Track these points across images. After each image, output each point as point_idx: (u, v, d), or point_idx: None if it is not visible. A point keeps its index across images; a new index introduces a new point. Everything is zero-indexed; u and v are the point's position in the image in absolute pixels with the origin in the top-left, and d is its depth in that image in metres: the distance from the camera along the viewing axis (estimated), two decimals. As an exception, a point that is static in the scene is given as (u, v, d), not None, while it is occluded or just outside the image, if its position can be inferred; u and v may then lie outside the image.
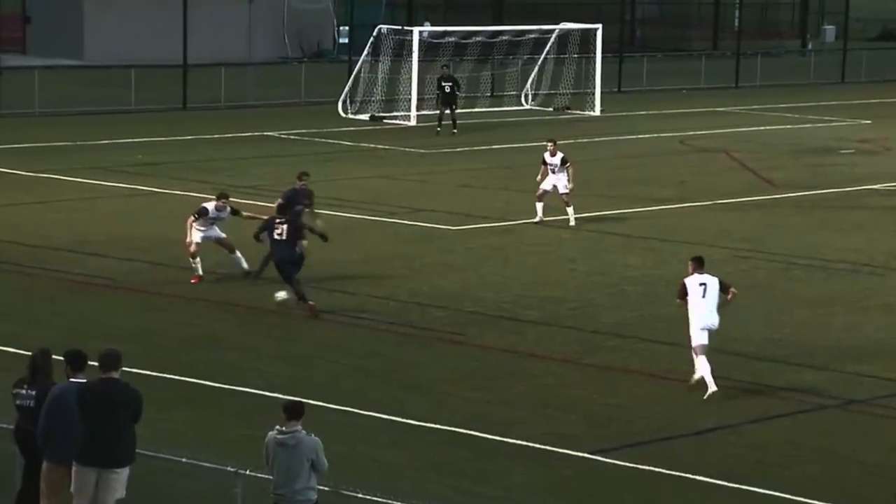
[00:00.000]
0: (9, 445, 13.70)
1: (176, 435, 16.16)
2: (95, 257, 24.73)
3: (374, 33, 45.63)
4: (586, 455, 16.31)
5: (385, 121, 44.37)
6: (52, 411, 13.11)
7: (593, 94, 48.38)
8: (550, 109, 48.34)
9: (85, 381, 13.19)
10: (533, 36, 48.98)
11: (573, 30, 49.34)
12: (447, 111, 41.98)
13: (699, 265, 18.85)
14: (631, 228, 29.13)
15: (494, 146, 40.12)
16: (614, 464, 16.11)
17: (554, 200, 29.04)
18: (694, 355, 18.59)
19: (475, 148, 39.69)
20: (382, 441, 16.65)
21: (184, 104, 45.05)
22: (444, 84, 42.44)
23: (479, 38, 47.95)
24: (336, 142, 40.16)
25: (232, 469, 13.18)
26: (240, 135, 40.27)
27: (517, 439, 16.71)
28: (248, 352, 20.02)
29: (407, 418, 17.34)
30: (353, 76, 45.65)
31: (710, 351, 18.54)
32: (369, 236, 27.83)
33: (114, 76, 45.45)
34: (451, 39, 47.29)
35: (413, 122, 43.90)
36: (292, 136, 40.59)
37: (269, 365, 19.40)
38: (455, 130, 41.77)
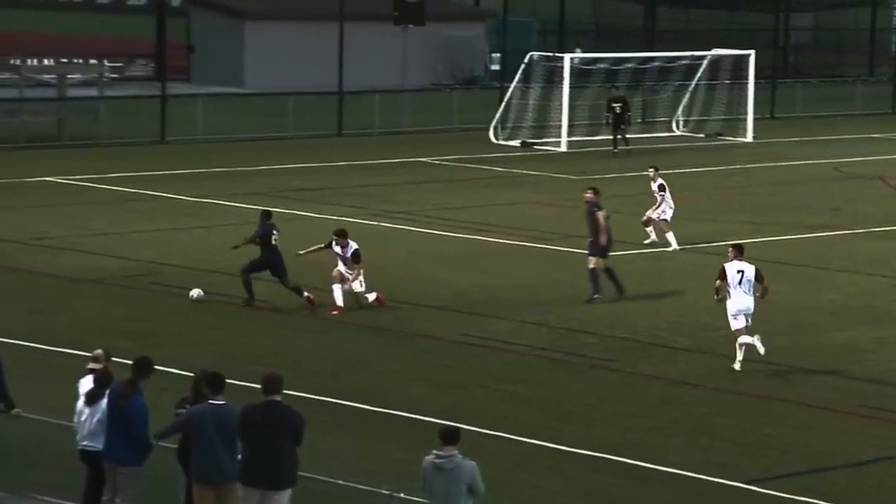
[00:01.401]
0: (174, 465, 14.03)
1: (331, 457, 16.39)
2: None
3: (526, 60, 45.80)
4: (739, 484, 16.17)
5: (536, 147, 44.51)
6: (190, 433, 13.40)
7: (745, 120, 47.96)
8: (702, 136, 48.01)
9: (224, 403, 13.43)
10: (685, 62, 48.72)
11: (725, 56, 48.99)
12: (619, 134, 42.90)
13: (739, 252, 20.58)
14: (783, 255, 28.79)
15: (645, 172, 39.96)
16: (768, 494, 15.95)
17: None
18: (736, 339, 20.12)
19: (626, 174, 39.58)
20: (536, 466, 16.70)
21: (339, 130, 45.67)
22: (613, 105, 42.98)
23: (630, 65, 47.85)
24: (487, 167, 40.35)
25: (387, 492, 13.35)
26: (393, 161, 40.70)
27: (669, 467, 16.64)
28: (400, 376, 20.21)
29: (560, 444, 17.36)
30: (504, 102, 45.87)
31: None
32: (520, 262, 27.93)
33: (272, 103, 46.26)
34: (601, 66, 47.28)
35: (563, 148, 43.94)
36: (444, 162, 40.90)
37: (422, 390, 19.57)
38: (629, 148, 42.46)
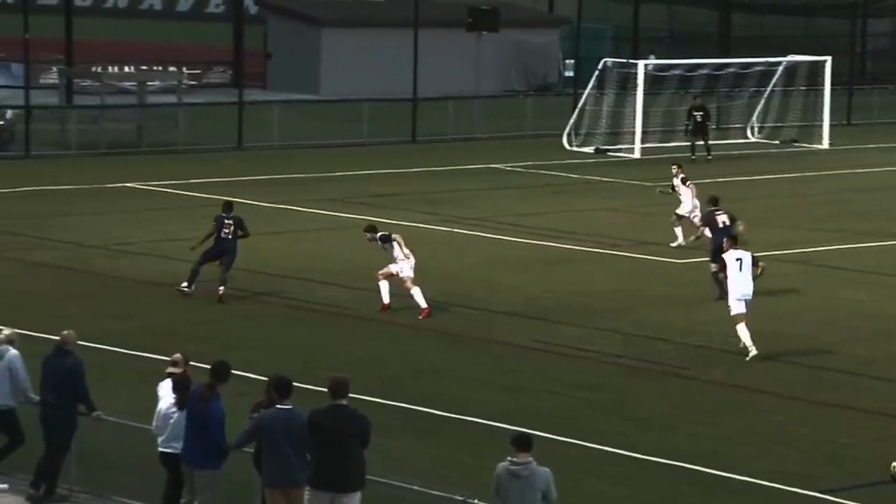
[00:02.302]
0: (250, 469, 14.21)
1: (403, 462, 16.51)
2: (329, 286, 25.41)
3: (600, 66, 45.78)
4: (815, 494, 16.11)
5: (609, 153, 44.48)
6: (259, 438, 13.56)
7: (821, 126, 47.64)
8: (777, 142, 47.76)
9: (291, 407, 13.57)
10: (760, 68, 48.49)
11: (801, 62, 48.70)
12: (699, 141, 42.93)
13: (734, 242, 21.87)
14: (862, 263, 28.61)
15: (720, 179, 39.80)
16: (844, 504, 15.92)
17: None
18: (737, 324, 21.09)
19: (701, 181, 39.37)
20: (608, 474, 16.74)
21: (413, 137, 45.87)
22: (694, 114, 43.20)
23: (704, 71, 47.67)
24: (561, 174, 40.38)
25: (460, 498, 13.44)
26: (466, 167, 40.82)
27: (743, 476, 16.61)
28: (472, 382, 20.31)
29: (632, 452, 17.38)
30: (578, 109, 45.87)
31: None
32: (593, 268, 27.95)
33: (347, 110, 46.53)
34: (676, 72, 47.17)
35: (637, 155, 43.88)
36: (518, 169, 40.97)
37: (494, 396, 19.65)
38: (710, 157, 42.43)
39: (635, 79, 44.09)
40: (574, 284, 26.22)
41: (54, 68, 49.21)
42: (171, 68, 51.96)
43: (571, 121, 45.57)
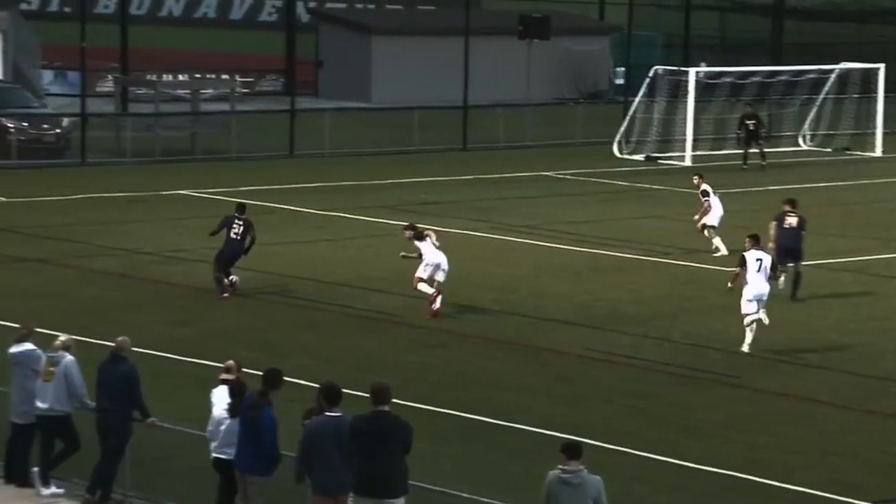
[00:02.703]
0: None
1: (453, 470, 16.59)
2: (380, 293, 25.52)
3: (650, 74, 45.75)
4: (869, 504, 16.09)
5: (660, 161, 44.42)
6: (308, 445, 13.66)
7: (874, 134, 47.36)
8: (829, 150, 47.53)
9: (339, 415, 13.65)
10: (812, 76, 48.30)
11: (854, 69, 48.45)
12: (751, 149, 42.88)
13: (756, 242, 22.34)
14: (914, 272, 28.46)
15: (771, 187, 39.68)
16: (898, 514, 15.85)
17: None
18: (747, 321, 21.69)
19: (752, 189, 39.34)
20: (659, 483, 16.74)
21: (464, 144, 45.97)
22: (747, 122, 43.10)
23: (756, 79, 47.55)
24: (611, 182, 40.35)
25: (511, 505, 13.50)
26: (517, 174, 40.88)
27: (797, 486, 16.57)
28: (522, 390, 20.36)
29: (683, 461, 17.38)
30: (628, 116, 45.85)
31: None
32: (643, 276, 27.93)
33: (398, 118, 46.70)
34: (727, 80, 47.06)
35: (688, 163, 43.78)
36: (568, 176, 40.99)
37: (544, 404, 19.70)
38: (764, 164, 42.35)
39: (686, 86, 44.01)
40: (624, 292, 26.22)
41: (110, 76, 49.67)
42: (225, 76, 52.34)
43: (622, 128, 45.54)
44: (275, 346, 21.93)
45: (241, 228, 24.93)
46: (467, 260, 28.70)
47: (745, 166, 42.68)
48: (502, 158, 43.93)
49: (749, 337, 22.05)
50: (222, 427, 14.89)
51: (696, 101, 44.30)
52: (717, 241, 29.60)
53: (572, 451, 12.92)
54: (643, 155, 44.69)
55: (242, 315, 24.08)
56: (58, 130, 40.99)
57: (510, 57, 51.97)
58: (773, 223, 26.28)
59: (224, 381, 15.25)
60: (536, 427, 18.41)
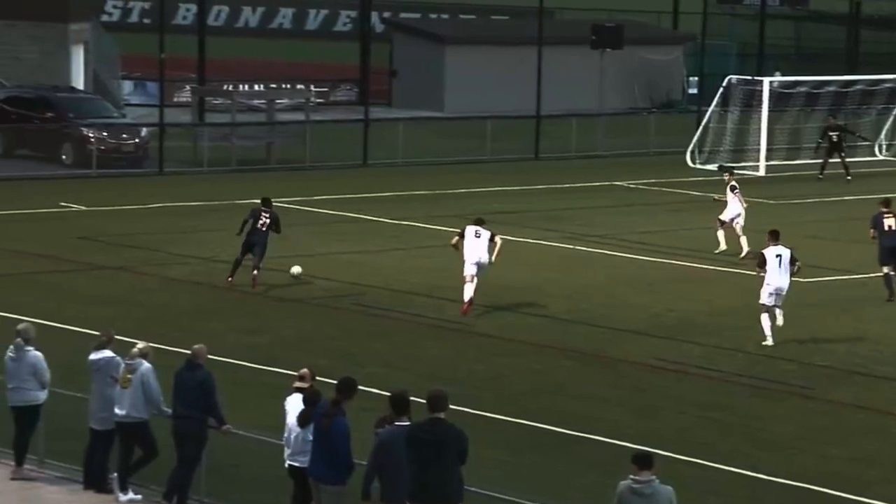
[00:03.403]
0: (374, 485, 14.41)
1: (527, 478, 16.67)
2: (451, 302, 25.62)
3: (724, 83, 45.57)
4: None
5: (733, 171, 44.19)
6: (379, 455, 13.75)
7: (952, 144, 46.93)
8: (906, 160, 47.15)
9: (408, 423, 13.70)
10: (888, 85, 47.90)
11: (931, 78, 48.03)
12: (833, 160, 42.61)
13: (775, 237, 23.11)
14: None
15: (846, 197, 39.45)
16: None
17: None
18: (762, 314, 22.70)
19: (826, 199, 39.13)
20: (732, 495, 16.71)
21: (536, 154, 46.01)
22: (830, 133, 42.91)
23: (831, 88, 47.23)
24: (684, 192, 40.22)
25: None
26: (589, 184, 40.86)
27: (874, 499, 16.48)
28: (595, 400, 20.40)
29: (757, 473, 17.34)
30: (702, 126, 45.69)
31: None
32: (716, 287, 27.85)
33: (471, 127, 46.83)
34: (802, 89, 46.79)
35: (762, 173, 43.59)
36: (640, 186, 40.93)
37: (616, 414, 19.72)
38: (849, 178, 42.07)
39: (760, 96, 43.81)
40: (697, 303, 26.17)
41: (187, 87, 50.21)
42: (300, 86, 52.70)
43: (695, 138, 45.39)
44: (348, 355, 22.11)
45: (268, 220, 26.17)
46: (539, 269, 28.78)
47: (820, 176, 42.41)
48: (575, 168, 43.92)
49: (767, 329, 22.92)
50: (293, 435, 15.04)
51: (771, 111, 44.06)
52: (719, 235, 30.57)
53: (644, 462, 12.96)
54: (716, 165, 44.49)
55: (316, 323, 24.30)
56: (136, 140, 41.46)
57: (583, 66, 51.96)
58: (872, 229, 26.66)
59: (298, 390, 15.39)
60: (608, 437, 18.44)
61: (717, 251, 30.23)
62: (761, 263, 23.09)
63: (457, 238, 25.17)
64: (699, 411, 19.90)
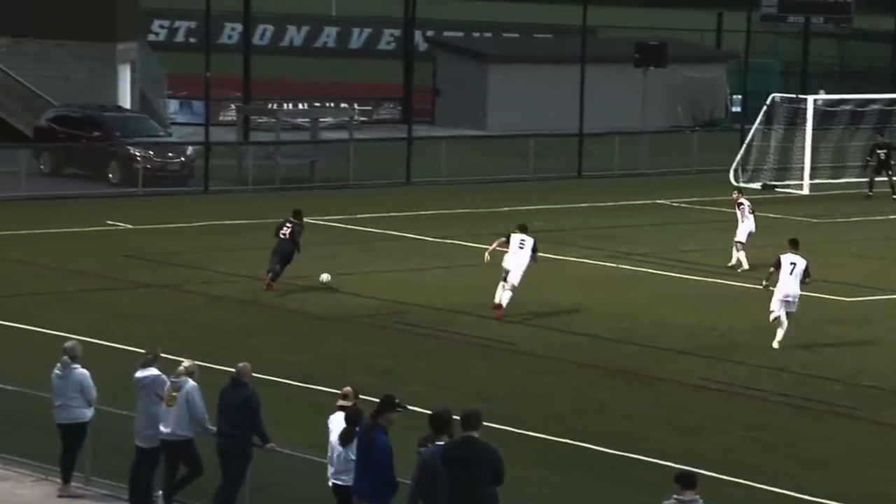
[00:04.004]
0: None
1: (572, 498, 16.66)
2: (494, 321, 25.66)
3: (768, 102, 45.47)
4: None
5: (777, 189, 44.10)
6: (421, 474, 13.77)
7: None
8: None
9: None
10: (933, 103, 47.70)
11: (976, 96, 47.75)
12: (880, 178, 42.52)
13: (794, 246, 24.35)
14: None
15: (892, 216, 39.27)
16: None
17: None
18: (771, 318, 23.71)
19: (871, 218, 38.94)
20: (776, 514, 16.67)
21: (579, 172, 46.02)
22: (878, 151, 42.84)
23: (876, 106, 47.03)
24: (727, 210, 40.00)
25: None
26: (632, 202, 40.82)
27: (917, 520, 16.43)
28: (638, 419, 20.36)
29: (802, 493, 17.26)
30: (745, 144, 45.59)
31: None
32: (759, 306, 27.62)
33: (514, 145, 46.91)
34: (846, 107, 46.62)
35: (806, 191, 43.44)
36: (683, 204, 40.85)
37: (661, 434, 19.68)
38: (895, 196, 41.91)
39: (804, 114, 43.69)
40: (741, 322, 26.09)
41: (232, 105, 50.52)
42: (343, 105, 52.92)
43: (738, 156, 45.28)
44: (391, 373, 22.16)
45: (289, 230, 27.36)
46: (582, 288, 28.77)
47: (870, 194, 42.25)
48: (617, 186, 43.90)
49: (780, 334, 23.74)
50: (336, 453, 15.09)
51: (815, 129, 43.93)
52: (741, 257, 30.75)
53: (687, 481, 12.96)
54: (760, 183, 44.39)
55: (359, 341, 24.37)
56: (182, 159, 41.74)
57: (626, 84, 51.96)
58: None
59: (341, 408, 15.44)
60: (652, 457, 18.40)
61: (739, 270, 30.38)
62: (776, 265, 24.11)
63: (501, 240, 26.16)
64: (743, 431, 19.85)
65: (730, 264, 30.88)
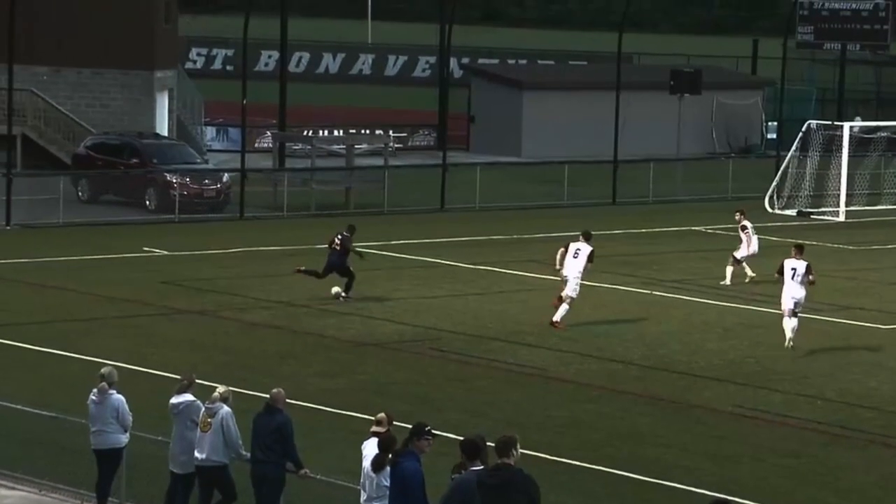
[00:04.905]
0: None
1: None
2: (531, 347, 25.70)
3: (804, 128, 45.43)
4: None
5: (812, 216, 44.00)
6: (453, 499, 13.76)
7: None
8: None
9: (482, 468, 13.71)
10: (969, 129, 47.57)
11: None
12: None
13: (799, 251, 25.90)
14: None
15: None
16: None
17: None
18: (784, 317, 25.30)
19: (911, 244, 38.79)
20: (810, 543, 16.61)
21: (613, 199, 46.04)
22: None
23: (912, 133, 46.99)
24: (762, 237, 39.92)
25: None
26: (667, 229, 40.81)
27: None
28: (673, 448, 20.32)
29: (835, 521, 17.24)
30: (780, 171, 45.53)
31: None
32: (796, 334, 27.65)
33: (548, 172, 46.97)
34: (882, 134, 46.53)
35: (842, 218, 43.33)
36: (718, 231, 40.79)
37: (695, 462, 19.65)
38: None
39: (840, 141, 43.63)
40: (776, 349, 26.03)
41: (268, 132, 50.82)
42: (378, 132, 53.16)
43: (774, 183, 45.23)
44: (426, 400, 22.19)
45: (340, 241, 28.99)
46: (617, 314, 28.76)
47: None
48: (652, 213, 43.89)
49: (789, 332, 25.35)
50: (369, 480, 15.11)
51: (850, 156, 43.85)
52: (729, 272, 31.86)
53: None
54: (795, 210, 44.31)
55: (393, 367, 24.43)
56: (218, 185, 42.01)
57: (661, 111, 52.04)
58: None
59: (375, 434, 15.48)
60: (687, 485, 18.38)
61: (721, 283, 31.70)
62: (780, 271, 25.75)
63: (562, 250, 27.27)
64: (778, 459, 19.79)
65: (746, 280, 31.92)
